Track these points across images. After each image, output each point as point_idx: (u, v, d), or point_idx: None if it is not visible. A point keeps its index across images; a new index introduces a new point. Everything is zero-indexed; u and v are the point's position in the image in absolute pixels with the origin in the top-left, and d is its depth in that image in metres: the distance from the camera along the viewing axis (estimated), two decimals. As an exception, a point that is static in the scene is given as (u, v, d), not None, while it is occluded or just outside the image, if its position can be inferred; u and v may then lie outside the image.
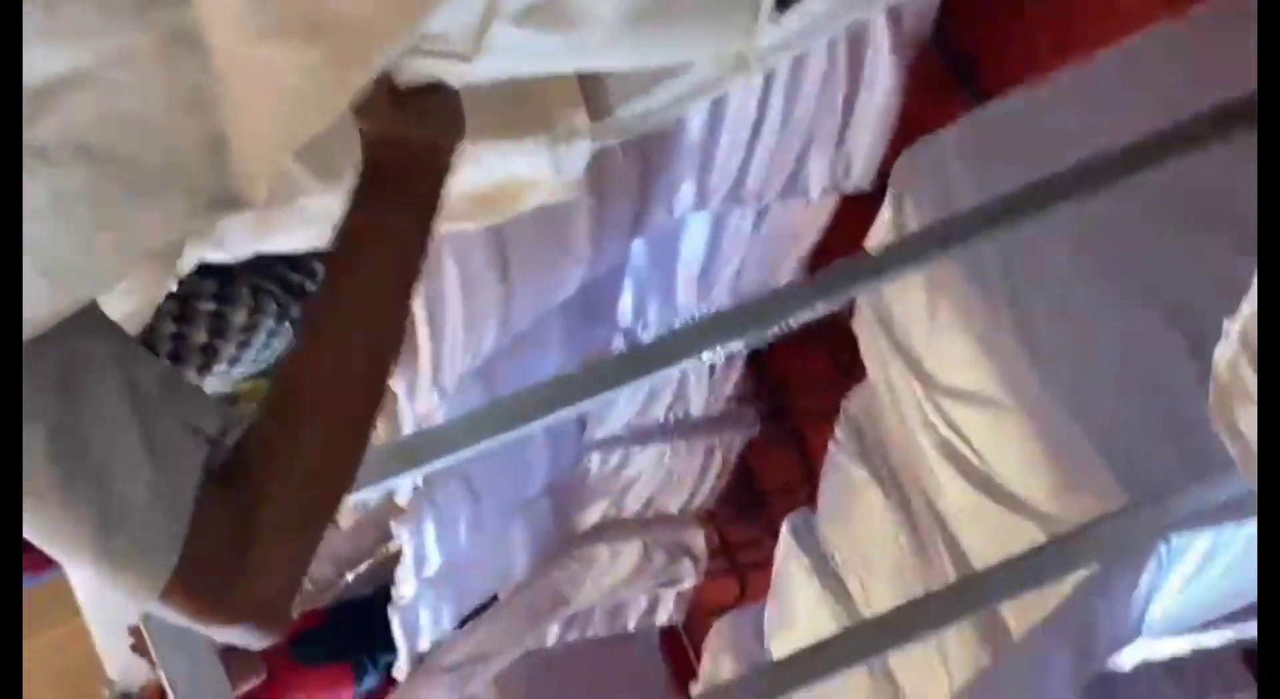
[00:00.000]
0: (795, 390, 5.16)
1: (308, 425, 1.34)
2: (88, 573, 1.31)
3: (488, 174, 1.93)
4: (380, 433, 4.28)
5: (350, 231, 1.39)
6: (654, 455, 4.77)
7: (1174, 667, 2.89)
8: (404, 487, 3.77)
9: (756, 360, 5.10)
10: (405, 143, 1.42)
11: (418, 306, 3.06)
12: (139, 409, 1.27)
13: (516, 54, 1.51)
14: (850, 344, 3.13)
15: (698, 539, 5.25)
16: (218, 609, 1.31)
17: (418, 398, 3.18)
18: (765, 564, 3.65)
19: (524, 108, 1.90)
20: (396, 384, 3.24)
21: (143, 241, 1.28)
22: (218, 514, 1.29)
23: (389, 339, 1.41)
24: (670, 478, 4.92)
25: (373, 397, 1.41)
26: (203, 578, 1.29)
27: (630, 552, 5.07)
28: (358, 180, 1.41)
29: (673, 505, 5.09)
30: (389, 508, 4.05)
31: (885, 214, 2.86)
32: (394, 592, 4.11)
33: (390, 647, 4.51)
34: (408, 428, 3.29)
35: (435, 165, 1.43)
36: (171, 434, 1.29)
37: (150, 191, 1.24)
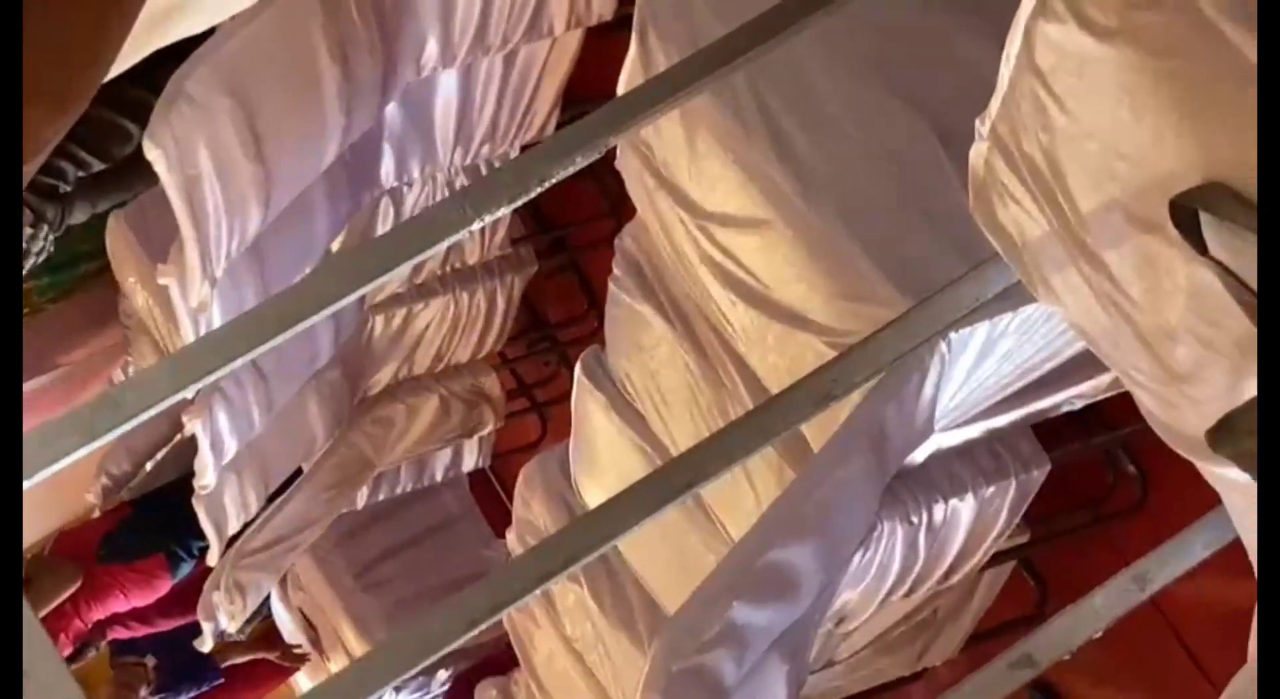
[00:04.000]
0: (569, 222, 5.16)
1: None
2: None
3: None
4: (162, 334, 4.20)
5: None
6: (437, 309, 4.75)
7: (966, 451, 2.97)
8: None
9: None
10: None
11: (175, 199, 2.99)
12: None
13: None
14: (616, 173, 3.12)
15: (493, 384, 5.25)
16: None
17: (190, 293, 3.12)
18: (564, 398, 3.65)
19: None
20: (168, 282, 3.18)
21: None
22: None
23: None
24: (457, 328, 4.90)
25: None
26: None
27: (427, 407, 5.07)
28: None
29: (463, 354, 5.08)
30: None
31: (633, 50, 2.85)
32: (195, 482, 4.06)
33: (202, 533, 4.46)
34: (185, 325, 3.23)
35: None
36: None
37: None
